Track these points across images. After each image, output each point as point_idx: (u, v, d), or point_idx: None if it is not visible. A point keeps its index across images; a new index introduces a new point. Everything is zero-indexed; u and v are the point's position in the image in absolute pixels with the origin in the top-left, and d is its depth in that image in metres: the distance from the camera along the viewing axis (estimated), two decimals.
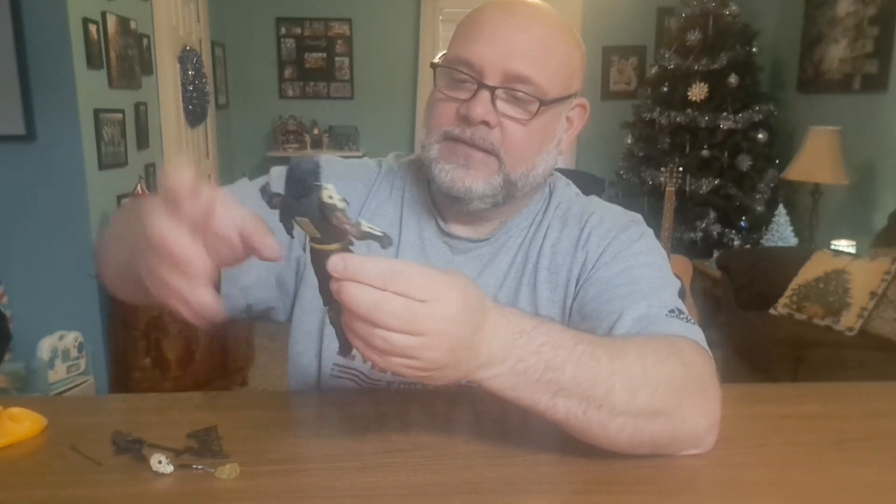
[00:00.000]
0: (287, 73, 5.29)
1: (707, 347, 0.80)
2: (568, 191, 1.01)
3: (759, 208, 4.22)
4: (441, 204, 0.96)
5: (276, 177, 1.00)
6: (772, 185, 4.21)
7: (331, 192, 0.56)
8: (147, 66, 3.52)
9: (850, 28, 3.88)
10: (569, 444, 0.70)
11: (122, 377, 2.99)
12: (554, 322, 0.70)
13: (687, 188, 4.13)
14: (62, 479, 0.70)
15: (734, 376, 3.23)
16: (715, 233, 4.22)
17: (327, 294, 0.58)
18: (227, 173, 5.11)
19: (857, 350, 2.67)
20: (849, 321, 2.82)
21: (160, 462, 0.69)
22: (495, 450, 0.75)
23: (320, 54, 5.26)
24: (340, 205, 0.56)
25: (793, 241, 3.98)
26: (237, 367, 3.27)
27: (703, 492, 0.69)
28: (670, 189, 3.62)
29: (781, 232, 3.97)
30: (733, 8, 4.22)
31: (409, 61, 5.20)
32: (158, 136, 3.69)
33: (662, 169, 3.94)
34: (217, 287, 0.82)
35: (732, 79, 4.14)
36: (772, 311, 3.09)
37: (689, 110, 4.21)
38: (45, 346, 2.76)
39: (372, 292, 0.56)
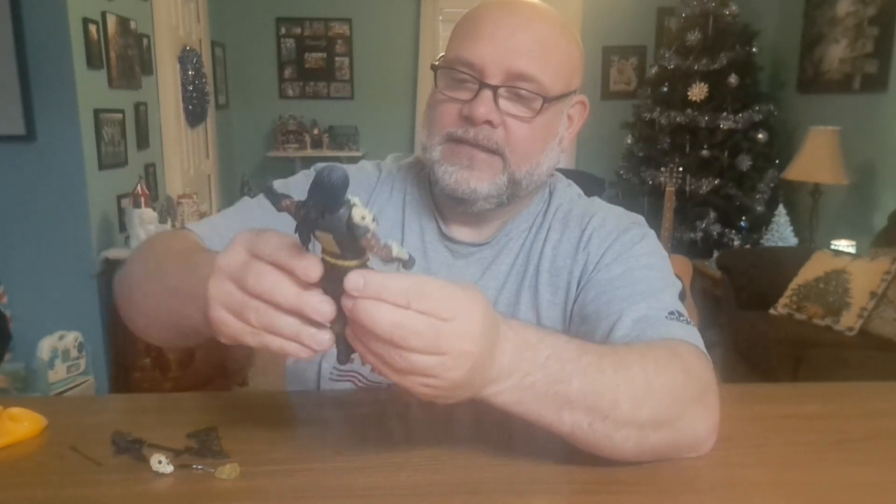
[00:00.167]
0: (287, 73, 5.29)
1: (705, 350, 0.80)
2: (569, 191, 1.01)
3: (759, 208, 4.22)
4: (443, 206, 0.96)
5: (304, 176, 1.00)
6: (772, 185, 4.22)
7: (363, 212, 0.51)
8: (147, 66, 3.52)
9: (850, 28, 3.88)
10: (569, 444, 0.70)
11: (122, 377, 2.99)
12: (558, 333, 0.68)
13: (687, 188, 4.13)
14: (62, 479, 0.70)
15: (734, 376, 3.23)
16: (715, 233, 4.22)
17: (336, 309, 0.56)
18: (227, 173, 5.12)
19: (857, 350, 2.67)
20: (849, 321, 2.82)
21: (160, 462, 0.69)
22: (495, 450, 0.75)
23: (320, 54, 5.26)
24: (372, 226, 0.52)
25: (793, 241, 3.98)
26: (237, 367, 3.27)
27: (703, 492, 0.69)
28: (670, 189, 3.62)
29: (781, 232, 3.97)
30: (733, 8, 4.22)
31: (409, 61, 5.20)
32: (158, 136, 3.69)
33: (662, 169, 3.93)
34: None
35: (732, 79, 4.14)
36: (772, 311, 3.09)
37: (689, 110, 4.22)
38: (45, 346, 2.76)
39: (393, 311, 0.53)
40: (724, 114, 4.17)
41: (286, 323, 0.55)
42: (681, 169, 3.77)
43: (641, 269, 0.88)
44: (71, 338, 2.86)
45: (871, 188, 3.70)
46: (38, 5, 2.65)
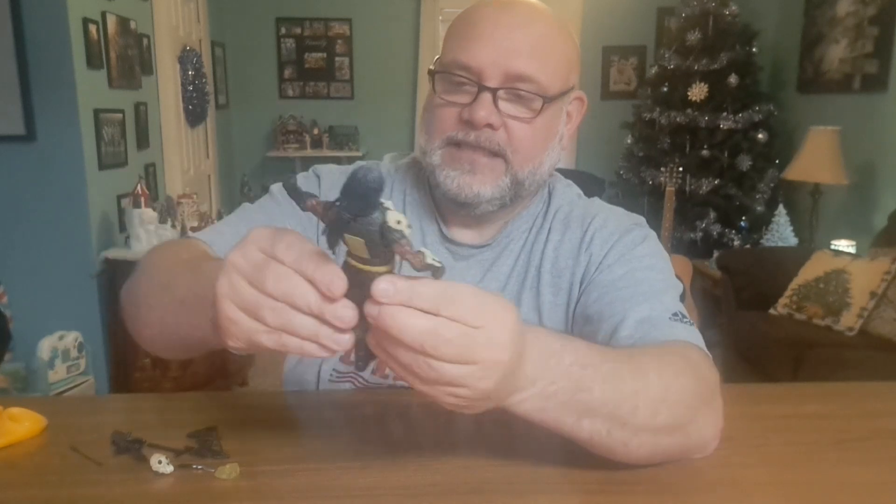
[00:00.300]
0: (287, 73, 5.29)
1: (707, 351, 0.80)
2: (569, 192, 1.00)
3: (759, 208, 4.22)
4: (444, 208, 0.95)
5: (304, 178, 1.00)
6: (772, 185, 4.21)
7: (398, 216, 0.49)
8: (147, 66, 3.52)
9: (850, 28, 3.88)
10: (569, 444, 0.70)
11: (122, 377, 2.99)
12: (577, 339, 0.67)
13: (687, 188, 4.13)
14: (62, 479, 0.70)
15: (734, 376, 3.23)
16: (715, 233, 4.22)
17: (358, 313, 0.54)
18: (227, 173, 5.12)
19: (857, 350, 2.67)
20: (849, 321, 2.82)
21: (160, 462, 0.69)
22: (495, 450, 0.75)
23: (320, 54, 5.27)
24: (407, 231, 0.49)
25: (793, 241, 3.97)
26: (237, 367, 3.27)
27: (703, 492, 0.69)
28: (670, 189, 3.62)
29: (781, 232, 3.97)
30: (733, 8, 4.22)
31: (409, 61, 5.20)
32: (158, 136, 3.69)
33: (662, 169, 3.93)
34: None
35: (732, 79, 4.14)
36: (772, 311, 3.09)
37: (689, 110, 4.21)
38: (45, 346, 2.76)
39: (423, 318, 0.51)
40: (724, 114, 4.17)
41: (304, 323, 0.53)
42: (681, 169, 3.77)
43: (643, 270, 0.88)
44: (71, 338, 2.86)
45: (871, 188, 3.70)
46: (38, 5, 2.65)
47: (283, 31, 5.23)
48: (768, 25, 4.53)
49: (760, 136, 4.18)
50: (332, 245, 0.52)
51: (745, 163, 4.18)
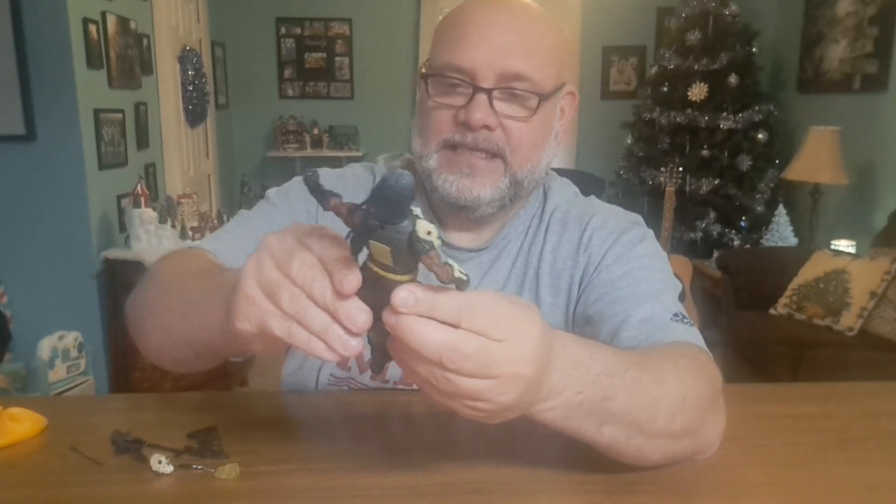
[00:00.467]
0: (287, 73, 5.29)
1: (708, 351, 0.80)
2: (565, 191, 1.00)
3: (759, 208, 4.22)
4: (441, 211, 0.95)
5: (277, 192, 0.98)
6: (772, 185, 4.22)
7: (429, 227, 0.47)
8: (147, 66, 3.52)
9: (850, 28, 3.88)
10: (569, 444, 0.70)
11: (122, 377, 2.99)
12: (603, 346, 0.66)
13: (687, 188, 4.13)
14: (62, 479, 0.70)
15: (734, 376, 3.23)
16: (715, 233, 4.22)
17: (376, 319, 0.52)
18: (227, 173, 5.12)
19: (857, 350, 2.67)
20: (849, 321, 2.82)
21: (160, 462, 0.69)
22: (495, 450, 0.75)
23: (320, 54, 5.27)
24: (437, 242, 0.47)
25: (793, 241, 3.98)
26: (237, 368, 3.27)
27: (703, 492, 0.69)
28: (670, 189, 3.62)
29: (781, 232, 3.97)
30: (733, 8, 4.22)
31: (409, 61, 5.20)
32: (158, 136, 3.69)
33: (662, 169, 3.93)
34: None
35: (732, 79, 4.14)
36: (772, 311, 3.09)
37: (689, 110, 4.22)
38: (45, 346, 2.76)
39: (442, 331, 0.49)
40: (724, 114, 4.17)
41: (317, 315, 0.51)
42: (681, 169, 3.77)
43: (642, 269, 0.88)
44: (71, 338, 2.86)
45: (871, 188, 3.70)
46: (38, 5, 2.65)
47: (283, 31, 5.23)
48: (768, 25, 4.54)
49: (760, 136, 4.18)
50: (355, 251, 0.51)
51: (745, 163, 4.18)
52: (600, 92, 5.27)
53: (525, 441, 0.76)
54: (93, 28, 2.87)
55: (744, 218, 4.23)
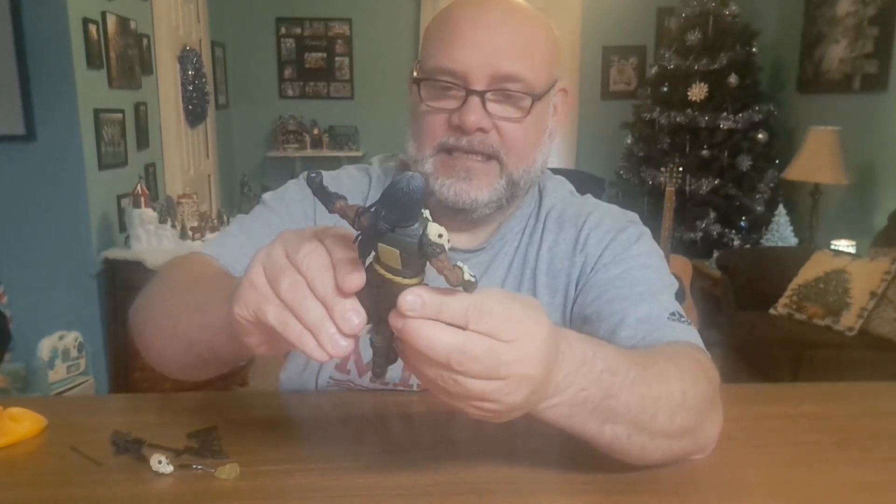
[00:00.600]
0: (287, 73, 5.29)
1: (706, 350, 0.81)
2: (561, 189, 1.00)
3: (759, 208, 4.23)
4: (439, 214, 0.94)
5: (297, 186, 0.98)
6: (772, 185, 4.22)
7: (440, 230, 0.46)
8: (147, 66, 3.52)
9: (850, 28, 3.88)
10: (569, 444, 0.70)
11: (122, 377, 2.99)
12: (606, 344, 0.66)
13: (687, 188, 4.14)
14: (62, 479, 0.70)
15: (734, 376, 3.23)
16: (715, 233, 4.22)
17: (380, 322, 0.52)
18: (227, 173, 5.12)
19: (857, 350, 2.67)
20: (849, 321, 2.82)
21: (160, 462, 0.69)
22: (495, 450, 0.75)
23: (320, 54, 5.27)
24: (447, 245, 0.46)
25: (793, 241, 3.98)
26: (237, 368, 3.27)
27: (703, 492, 0.69)
28: (670, 189, 3.62)
29: (781, 232, 3.97)
30: (733, 8, 4.22)
31: (409, 61, 5.20)
32: (158, 136, 3.69)
33: (662, 169, 3.93)
34: None
35: (732, 79, 4.14)
36: (772, 311, 3.09)
37: (689, 110, 4.22)
38: (45, 346, 2.76)
39: (449, 333, 0.49)
40: (724, 114, 4.17)
41: (313, 307, 0.51)
42: (681, 169, 3.77)
43: (640, 268, 0.88)
44: (71, 338, 2.86)
45: (871, 188, 3.70)
46: (38, 5, 2.65)
47: (283, 31, 5.23)
48: (768, 25, 4.54)
49: (760, 136, 4.18)
50: (364, 255, 0.50)
51: (745, 163, 4.18)
52: (600, 92, 5.27)
53: (525, 441, 0.76)
54: (93, 28, 2.87)
55: (744, 218, 4.23)
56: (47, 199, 2.79)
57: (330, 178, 0.99)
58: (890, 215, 3.20)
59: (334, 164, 4.94)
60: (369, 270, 0.50)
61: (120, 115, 3.13)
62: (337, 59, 5.28)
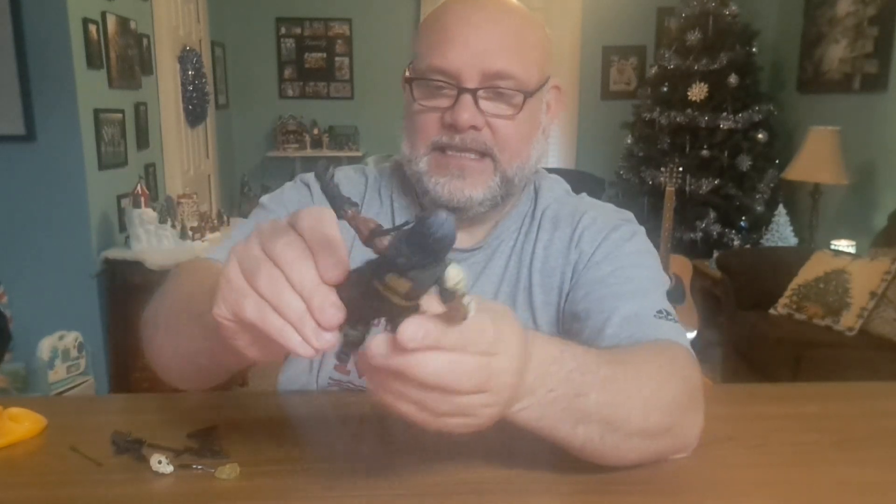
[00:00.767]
0: (287, 73, 5.29)
1: (691, 349, 0.80)
2: (557, 188, 1.00)
3: (759, 208, 4.22)
4: None
5: (293, 189, 0.98)
6: (772, 185, 4.21)
7: (459, 276, 0.44)
8: (147, 66, 3.52)
9: (850, 28, 3.88)
10: None
11: (122, 377, 2.99)
12: (575, 344, 0.65)
13: (687, 188, 4.13)
14: (62, 479, 0.70)
15: (734, 376, 3.23)
16: (715, 233, 4.22)
17: (360, 319, 0.50)
18: (227, 173, 5.12)
19: (857, 350, 2.67)
20: (849, 321, 2.82)
21: (160, 462, 0.69)
22: (495, 450, 0.74)
23: (320, 54, 5.26)
24: (463, 291, 0.45)
25: (793, 241, 3.98)
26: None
27: (703, 492, 0.69)
28: (670, 189, 3.62)
29: (781, 232, 3.97)
30: (733, 8, 4.22)
31: (409, 61, 5.19)
32: (158, 136, 3.69)
33: (662, 169, 3.93)
34: None
35: (732, 79, 4.14)
36: (772, 311, 3.09)
37: (689, 110, 4.21)
38: (45, 346, 2.76)
39: (443, 356, 0.47)
40: (724, 114, 4.16)
41: (293, 300, 0.49)
42: (681, 169, 3.77)
43: (631, 267, 0.88)
44: (71, 338, 2.85)
45: (871, 188, 3.70)
46: (38, 5, 2.65)
47: (283, 31, 5.23)
48: (768, 25, 4.53)
49: (760, 136, 4.18)
50: (372, 276, 0.46)
51: (745, 163, 4.18)
52: (600, 92, 5.26)
53: (525, 441, 0.76)
54: (93, 28, 2.87)
55: (744, 218, 4.23)
56: (47, 199, 2.79)
57: None
58: (890, 215, 3.20)
59: (334, 164, 4.92)
60: (357, 275, 0.48)
61: (120, 115, 3.13)
62: (337, 59, 5.28)
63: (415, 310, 0.47)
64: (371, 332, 0.51)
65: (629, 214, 0.97)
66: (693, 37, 4.22)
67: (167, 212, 3.10)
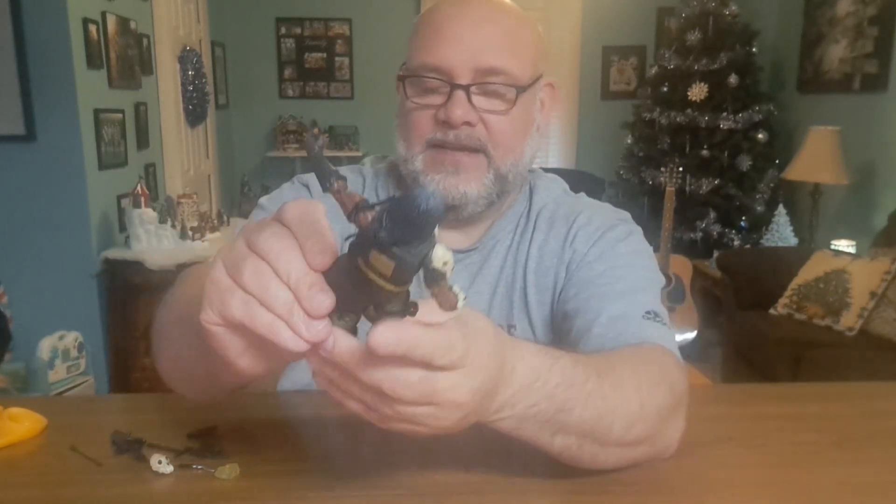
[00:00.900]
0: (287, 73, 5.29)
1: (678, 353, 0.79)
2: (554, 188, 1.00)
3: (759, 208, 4.23)
4: None
5: (291, 189, 0.99)
6: (772, 185, 4.22)
7: (446, 256, 0.42)
8: (147, 66, 3.52)
9: (850, 28, 3.88)
10: None
11: (122, 377, 2.99)
12: (563, 353, 0.63)
13: (687, 188, 4.13)
14: (62, 479, 0.70)
15: (734, 376, 3.23)
16: (715, 233, 4.22)
17: (347, 309, 0.48)
18: (227, 173, 5.12)
19: (857, 350, 2.67)
20: (849, 321, 2.82)
21: (160, 462, 0.69)
22: (495, 450, 0.74)
23: (320, 54, 5.26)
24: (450, 273, 0.43)
25: (793, 241, 3.98)
26: None
27: (703, 492, 0.69)
28: (670, 189, 3.62)
29: (781, 232, 3.97)
30: (733, 8, 4.22)
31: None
32: (158, 136, 3.69)
33: (662, 169, 3.94)
34: None
35: (732, 79, 4.14)
36: (772, 311, 3.09)
37: (689, 110, 4.22)
38: (45, 346, 2.76)
39: (386, 366, 0.47)
40: (724, 114, 4.17)
41: (280, 291, 0.46)
42: (681, 169, 3.77)
43: (623, 267, 0.88)
44: (71, 338, 2.85)
45: (871, 188, 3.70)
46: (38, 5, 2.65)
47: (283, 31, 5.23)
48: (768, 25, 4.53)
49: (760, 136, 4.18)
50: (354, 254, 0.45)
51: (745, 163, 4.18)
52: (600, 92, 5.26)
53: (525, 442, 0.76)
54: (93, 28, 2.87)
55: (744, 218, 4.23)
56: (47, 199, 2.79)
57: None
58: (890, 215, 3.20)
59: (334, 163, 4.91)
60: (346, 259, 0.46)
61: (120, 115, 3.13)
62: (337, 59, 5.28)
63: (404, 297, 0.45)
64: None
65: (626, 214, 0.96)
66: (693, 37, 4.22)
67: (167, 212, 3.10)
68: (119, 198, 3.10)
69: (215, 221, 3.31)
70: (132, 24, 3.29)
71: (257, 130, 5.31)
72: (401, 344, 0.45)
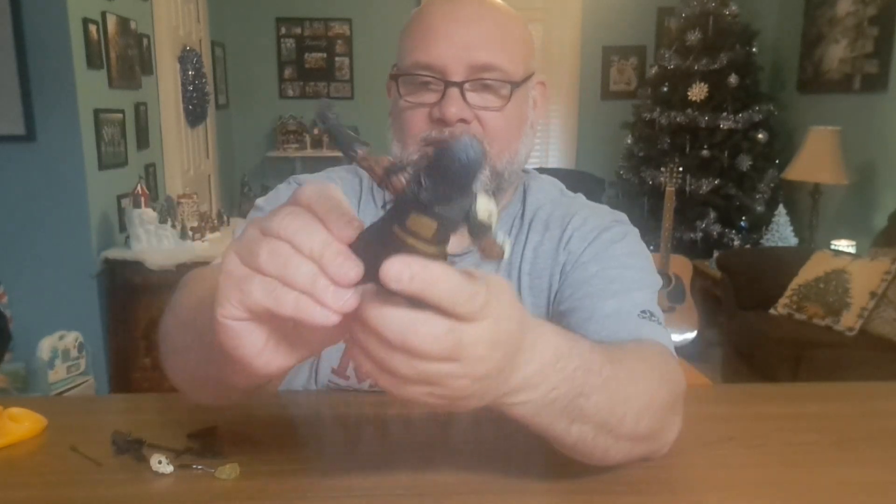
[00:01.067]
0: (287, 73, 5.29)
1: (674, 353, 0.80)
2: (550, 189, 0.99)
3: (759, 208, 4.23)
4: None
5: (289, 189, 0.98)
6: (772, 185, 4.22)
7: (490, 207, 0.40)
8: (147, 66, 3.52)
9: (850, 28, 3.88)
10: None
11: (122, 377, 2.99)
12: (582, 338, 0.62)
13: (687, 188, 4.14)
14: (62, 479, 0.70)
15: (734, 376, 3.23)
16: (715, 233, 4.23)
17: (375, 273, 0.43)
18: (227, 173, 5.12)
19: (857, 350, 2.67)
20: (849, 321, 2.82)
21: (160, 462, 0.69)
22: (495, 450, 0.75)
23: (320, 54, 5.26)
24: (496, 224, 0.41)
25: (793, 241, 3.98)
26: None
27: (703, 492, 0.69)
28: (670, 189, 3.62)
29: (781, 232, 3.97)
30: (733, 8, 4.22)
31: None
32: (158, 136, 3.69)
33: (662, 169, 3.94)
34: None
35: (732, 79, 4.14)
36: (772, 311, 3.09)
37: (689, 110, 4.22)
38: (45, 346, 2.76)
39: (410, 313, 0.43)
40: (724, 114, 4.17)
41: (302, 263, 0.44)
42: (681, 169, 3.77)
43: (618, 268, 0.87)
44: (71, 338, 2.85)
45: (871, 188, 3.70)
46: (38, 5, 2.65)
47: (283, 31, 5.23)
48: (768, 25, 4.54)
49: (760, 136, 4.18)
50: (388, 223, 0.42)
51: (745, 163, 4.18)
52: (600, 92, 5.26)
53: (524, 440, 0.76)
54: (93, 28, 2.87)
55: (744, 218, 4.24)
56: (47, 199, 2.79)
57: (326, 180, 0.98)
58: (890, 215, 3.20)
59: (335, 163, 4.91)
60: (375, 231, 0.43)
61: (120, 115, 3.13)
62: (337, 59, 5.27)
63: (443, 258, 0.42)
64: None
65: (622, 216, 0.96)
66: (693, 37, 4.22)
67: (167, 212, 3.10)
68: (119, 198, 3.10)
69: (215, 221, 3.31)
70: (132, 24, 3.29)
71: (257, 130, 5.31)
72: (414, 279, 0.41)
